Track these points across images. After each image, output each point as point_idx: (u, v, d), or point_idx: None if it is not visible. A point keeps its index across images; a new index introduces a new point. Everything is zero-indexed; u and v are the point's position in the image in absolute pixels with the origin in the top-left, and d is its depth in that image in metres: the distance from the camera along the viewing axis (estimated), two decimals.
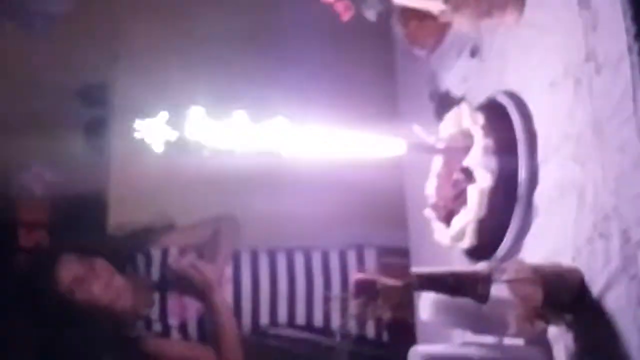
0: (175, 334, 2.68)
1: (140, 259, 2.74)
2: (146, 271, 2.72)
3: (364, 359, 2.70)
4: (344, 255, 2.76)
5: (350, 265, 2.74)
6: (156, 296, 2.69)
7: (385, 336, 2.69)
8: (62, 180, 3.02)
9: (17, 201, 2.97)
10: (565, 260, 1.48)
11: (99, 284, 2.57)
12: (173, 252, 2.75)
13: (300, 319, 2.69)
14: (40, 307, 2.60)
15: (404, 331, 2.30)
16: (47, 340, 2.58)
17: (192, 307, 2.68)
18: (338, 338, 2.64)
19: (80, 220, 2.97)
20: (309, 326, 2.69)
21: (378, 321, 2.67)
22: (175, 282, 2.66)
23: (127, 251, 2.75)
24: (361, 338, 2.67)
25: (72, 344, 2.67)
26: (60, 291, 2.55)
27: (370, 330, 2.68)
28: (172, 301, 2.69)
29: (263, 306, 2.69)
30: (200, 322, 2.68)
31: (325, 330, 2.68)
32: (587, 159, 1.46)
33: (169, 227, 2.86)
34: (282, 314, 2.69)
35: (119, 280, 2.62)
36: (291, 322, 2.69)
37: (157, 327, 2.68)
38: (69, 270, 2.56)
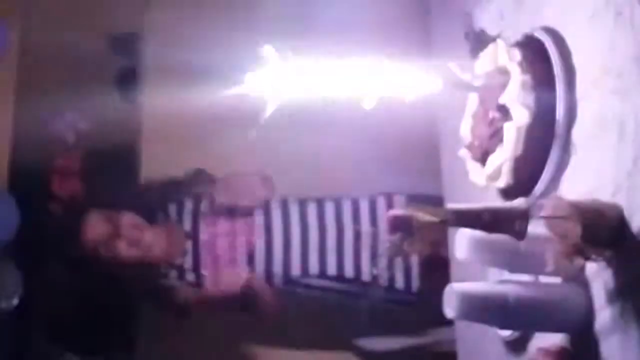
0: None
1: (172, 207, 2.72)
2: (178, 219, 2.70)
3: (395, 306, 2.70)
4: (373, 204, 2.73)
5: (380, 214, 2.71)
6: (189, 245, 2.67)
7: (415, 285, 2.67)
8: (95, 130, 3.02)
9: (51, 149, 2.97)
10: (605, 196, 1.45)
11: (124, 243, 2.57)
12: (205, 199, 2.73)
13: (331, 269, 2.68)
14: (72, 256, 2.63)
15: (435, 280, 2.28)
16: (80, 285, 2.60)
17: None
18: (369, 286, 2.63)
19: (114, 168, 2.97)
20: (339, 277, 2.68)
21: (408, 271, 2.65)
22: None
23: (159, 201, 2.74)
24: (391, 287, 2.66)
25: (103, 290, 2.69)
26: (87, 248, 2.57)
27: (400, 280, 2.67)
28: (205, 250, 2.68)
29: (294, 257, 2.67)
30: None
31: (356, 280, 2.66)
32: (628, 92, 1.42)
33: (201, 177, 2.84)
34: (314, 265, 2.68)
35: (148, 235, 2.60)
36: (322, 273, 2.68)
37: (190, 276, 2.67)
38: (93, 229, 2.56)
